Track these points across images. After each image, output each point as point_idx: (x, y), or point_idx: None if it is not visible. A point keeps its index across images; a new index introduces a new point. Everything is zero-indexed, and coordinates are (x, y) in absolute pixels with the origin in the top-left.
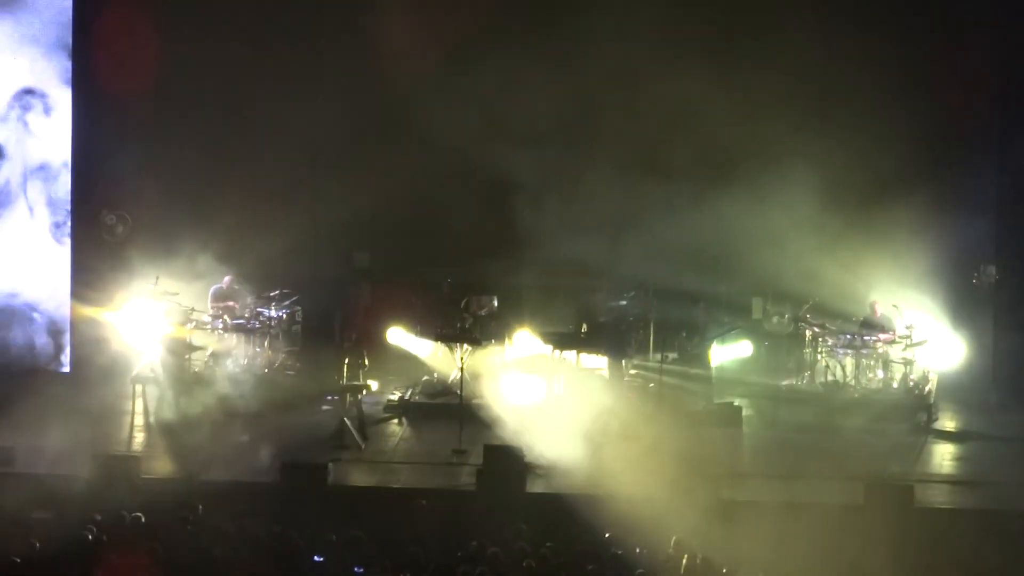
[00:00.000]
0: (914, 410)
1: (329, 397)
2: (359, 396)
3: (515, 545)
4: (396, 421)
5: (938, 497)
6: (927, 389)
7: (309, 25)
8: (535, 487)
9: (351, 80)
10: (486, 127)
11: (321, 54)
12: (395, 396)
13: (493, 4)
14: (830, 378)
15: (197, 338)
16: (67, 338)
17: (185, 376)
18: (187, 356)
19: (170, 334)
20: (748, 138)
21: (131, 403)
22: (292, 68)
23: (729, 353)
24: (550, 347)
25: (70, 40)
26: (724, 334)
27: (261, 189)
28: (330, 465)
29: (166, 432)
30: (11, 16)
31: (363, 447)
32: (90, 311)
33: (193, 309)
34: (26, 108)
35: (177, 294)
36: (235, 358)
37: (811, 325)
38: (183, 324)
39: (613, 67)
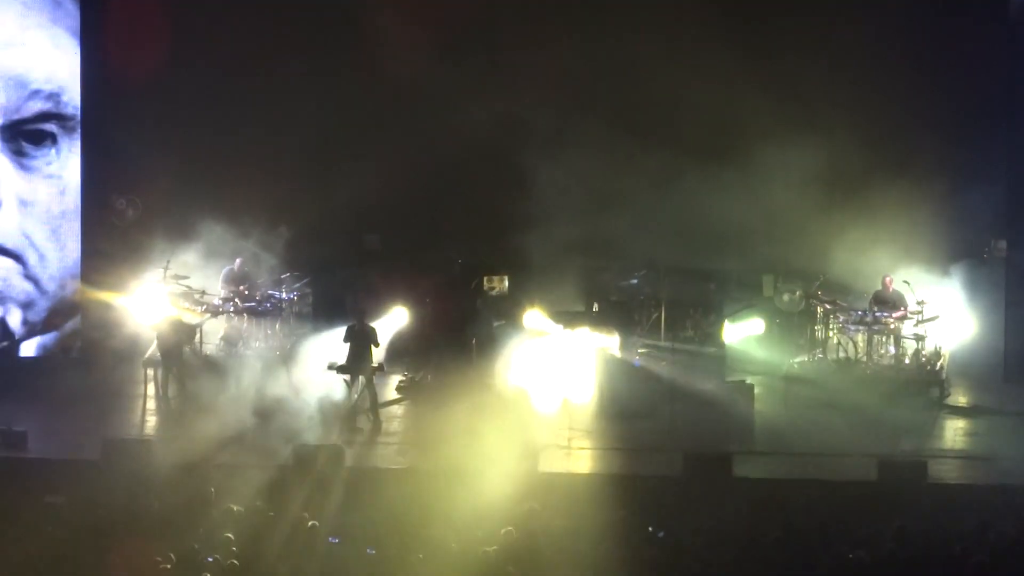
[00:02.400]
0: (926, 386)
1: (343, 378)
2: (371, 377)
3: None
4: (408, 401)
5: (951, 472)
6: (939, 365)
7: (321, 10)
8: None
9: (362, 64)
10: (496, 109)
11: (333, 38)
12: (407, 377)
13: None
14: (842, 355)
15: (191, 318)
16: None
17: (194, 358)
18: (195, 338)
19: (174, 316)
20: (758, 116)
21: (142, 387)
22: (304, 52)
23: (742, 331)
24: (560, 326)
25: (79, 23)
26: (735, 312)
27: (272, 172)
28: (344, 447)
29: (178, 416)
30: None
31: (375, 428)
32: (101, 295)
33: (204, 292)
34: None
35: (187, 277)
36: (246, 340)
37: (822, 302)
38: (190, 306)
39: (622, 47)
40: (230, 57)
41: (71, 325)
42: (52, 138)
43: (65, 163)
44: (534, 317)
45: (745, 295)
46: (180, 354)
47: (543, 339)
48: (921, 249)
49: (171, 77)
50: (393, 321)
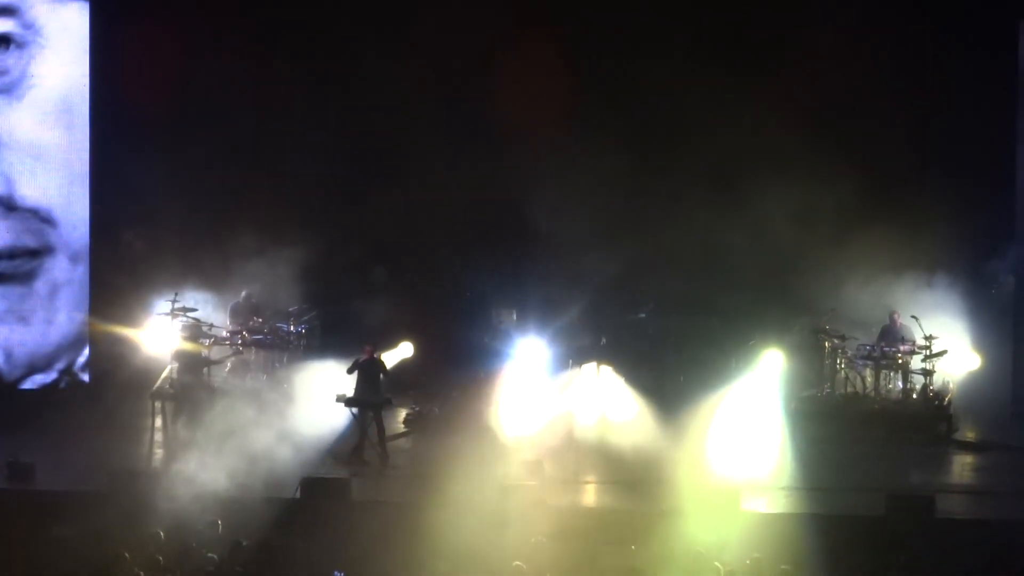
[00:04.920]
0: (934, 421)
1: (352, 412)
2: (379, 410)
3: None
4: (415, 435)
5: (959, 508)
6: (947, 400)
7: (330, 49)
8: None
9: (370, 100)
10: (504, 142)
11: (342, 77)
12: (414, 410)
13: (503, 23)
14: (850, 389)
15: (214, 353)
16: None
17: (202, 391)
18: (204, 371)
19: (184, 348)
20: (766, 150)
21: (150, 419)
22: (313, 88)
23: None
24: (569, 359)
25: (88, 60)
26: (748, 349)
27: (280, 205)
28: (352, 480)
29: (185, 448)
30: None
31: (383, 461)
32: (109, 327)
33: (212, 325)
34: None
35: (196, 310)
36: (254, 373)
37: (831, 336)
38: (198, 339)
39: (630, 82)
40: (239, 92)
41: (79, 357)
42: None
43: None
44: (540, 350)
45: (754, 329)
46: (194, 386)
47: (548, 373)
48: (929, 284)
49: (181, 112)
50: (400, 353)
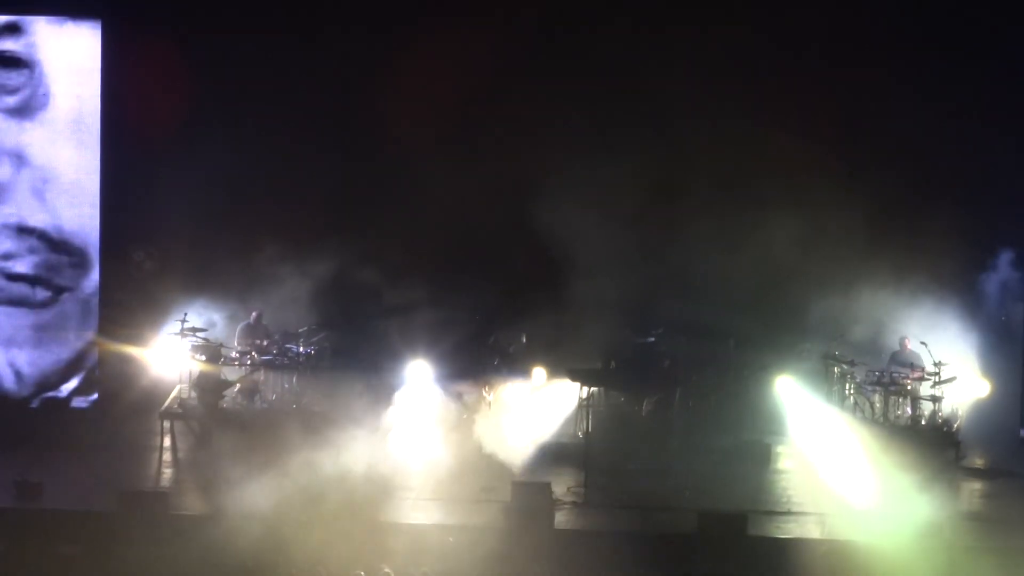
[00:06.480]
0: (943, 447)
1: (358, 432)
2: (385, 432)
3: None
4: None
5: (968, 535)
6: (955, 426)
7: (340, 68)
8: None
9: (381, 119)
10: (514, 165)
11: (352, 96)
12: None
13: (517, 43)
14: (858, 415)
15: (230, 374)
16: None
17: (216, 412)
18: (222, 393)
19: (206, 371)
20: (774, 174)
21: (159, 439)
22: (323, 107)
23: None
24: (577, 383)
25: (99, 79)
26: (758, 373)
27: (291, 226)
28: (362, 501)
29: (195, 468)
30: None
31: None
32: (118, 346)
33: (222, 345)
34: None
35: (205, 330)
36: (263, 394)
37: (839, 361)
38: (213, 361)
39: (640, 104)
40: (249, 109)
41: (88, 376)
42: None
43: None
44: (547, 374)
45: (763, 354)
46: (214, 408)
47: (556, 394)
48: (940, 310)
49: (190, 129)
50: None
